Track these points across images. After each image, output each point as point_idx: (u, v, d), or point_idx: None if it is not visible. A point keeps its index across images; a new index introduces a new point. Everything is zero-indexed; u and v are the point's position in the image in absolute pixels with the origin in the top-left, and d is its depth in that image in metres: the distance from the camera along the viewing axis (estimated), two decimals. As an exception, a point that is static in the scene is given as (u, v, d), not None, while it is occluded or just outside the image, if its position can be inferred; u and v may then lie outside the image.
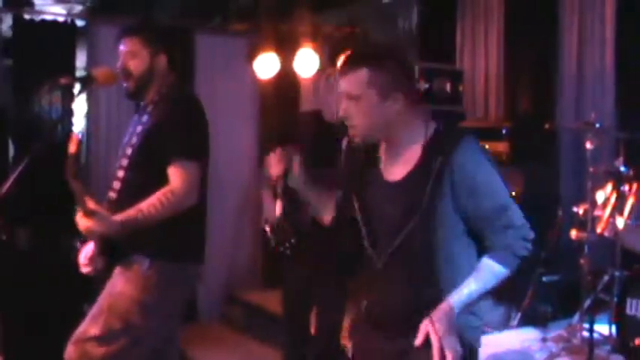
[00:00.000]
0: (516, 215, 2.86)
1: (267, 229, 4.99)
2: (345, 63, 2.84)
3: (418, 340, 2.70)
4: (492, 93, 7.70)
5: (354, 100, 2.81)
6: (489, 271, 2.79)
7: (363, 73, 2.79)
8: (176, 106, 3.81)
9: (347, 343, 5.38)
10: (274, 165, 3.32)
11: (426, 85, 6.91)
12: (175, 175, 3.65)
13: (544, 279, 5.80)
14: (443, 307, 2.75)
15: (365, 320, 3.00)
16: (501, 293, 5.66)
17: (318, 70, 6.96)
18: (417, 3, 8.37)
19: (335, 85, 5.25)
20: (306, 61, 7.11)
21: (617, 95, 6.49)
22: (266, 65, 7.07)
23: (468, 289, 2.78)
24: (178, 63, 4.07)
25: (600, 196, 5.19)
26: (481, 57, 7.80)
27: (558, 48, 6.99)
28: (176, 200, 3.62)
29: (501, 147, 6.54)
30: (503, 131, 6.69)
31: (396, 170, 2.91)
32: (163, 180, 3.65)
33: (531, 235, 2.84)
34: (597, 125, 5.23)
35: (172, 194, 3.61)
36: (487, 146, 6.51)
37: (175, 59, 3.99)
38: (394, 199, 2.87)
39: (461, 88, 7.29)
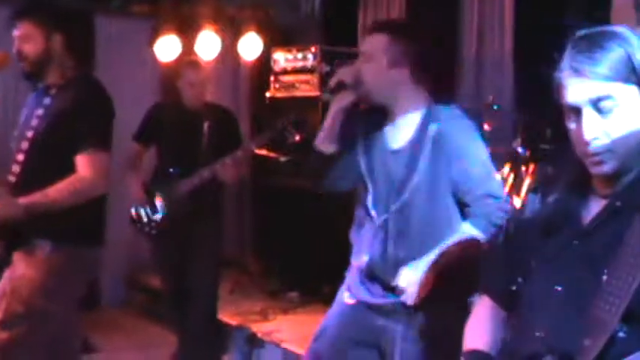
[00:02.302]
0: (498, 186, 3.11)
1: (132, 210, 5.12)
2: (372, 26, 3.28)
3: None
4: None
5: (366, 59, 3.08)
6: (468, 234, 2.97)
7: (382, 38, 3.08)
8: (84, 93, 3.77)
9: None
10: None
11: (328, 68, 6.94)
12: (85, 163, 3.61)
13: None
14: (421, 264, 2.94)
15: (365, 274, 3.19)
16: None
17: (178, 57, 6.90)
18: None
19: (199, 72, 5.36)
20: (208, 44, 7.06)
21: (515, 78, 6.63)
22: (167, 48, 6.99)
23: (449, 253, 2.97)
24: (78, 45, 4.00)
25: (498, 177, 5.29)
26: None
27: (458, 31, 7.09)
28: (85, 188, 3.60)
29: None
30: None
31: (397, 137, 3.13)
32: (67, 166, 3.60)
33: (509, 207, 3.08)
34: (495, 107, 5.34)
35: (81, 182, 3.59)
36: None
37: (74, 40, 3.91)
38: (395, 163, 3.10)
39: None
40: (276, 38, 7.61)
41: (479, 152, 3.09)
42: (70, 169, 3.61)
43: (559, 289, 1.86)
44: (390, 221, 3.08)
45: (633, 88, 1.79)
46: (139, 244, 6.33)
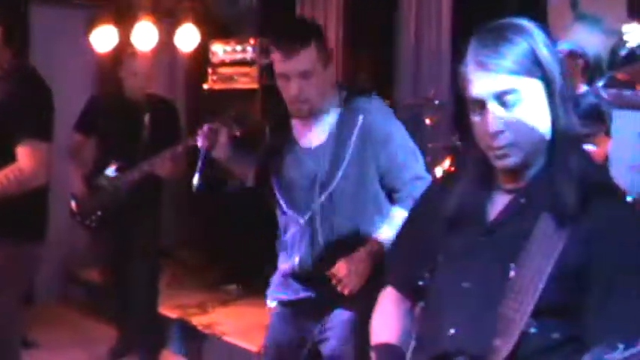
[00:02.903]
0: (424, 168, 3.14)
1: (73, 203, 5.08)
2: (293, 42, 2.95)
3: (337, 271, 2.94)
4: (331, 70, 7.73)
5: (306, 76, 2.96)
6: (401, 219, 2.93)
7: (313, 50, 2.96)
8: (23, 84, 3.72)
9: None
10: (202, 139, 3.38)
11: (267, 61, 6.91)
12: (25, 154, 3.56)
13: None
14: (358, 254, 2.98)
15: (295, 275, 3.18)
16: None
17: (115, 47, 6.82)
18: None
19: (142, 62, 5.31)
20: (145, 35, 6.97)
21: (452, 71, 6.70)
22: (104, 38, 6.88)
23: (383, 236, 3.02)
24: (15, 36, 3.93)
25: (439, 171, 5.35)
26: (321, 32, 7.83)
27: (397, 24, 7.15)
28: (24, 179, 3.56)
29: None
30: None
31: (315, 135, 3.12)
32: (7, 157, 3.54)
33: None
34: (436, 102, 5.40)
35: (21, 173, 3.54)
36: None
37: (11, 32, 3.84)
38: (316, 160, 3.09)
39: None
40: (214, 30, 7.56)
41: (404, 138, 3.13)
42: (11, 160, 3.56)
43: (467, 285, 1.87)
44: (317, 216, 3.09)
45: (537, 82, 1.80)
46: (77, 237, 6.26)
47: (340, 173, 3.03)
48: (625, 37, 6.15)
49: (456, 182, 2.00)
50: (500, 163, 1.85)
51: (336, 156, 3.04)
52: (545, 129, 1.82)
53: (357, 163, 3.03)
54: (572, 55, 5.55)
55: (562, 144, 1.83)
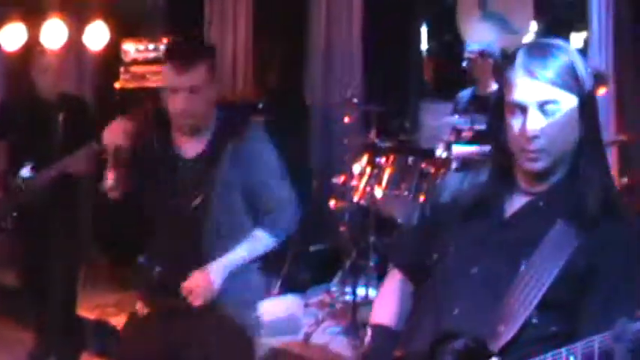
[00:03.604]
0: (291, 193, 3.22)
1: None
2: (186, 57, 2.97)
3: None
4: (241, 67, 7.77)
5: (194, 92, 2.95)
6: (260, 241, 3.13)
7: (204, 66, 2.97)
8: None
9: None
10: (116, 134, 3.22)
11: (180, 60, 6.91)
12: None
13: (310, 248, 6.06)
14: (209, 270, 3.03)
15: (159, 282, 3.16)
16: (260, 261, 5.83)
17: (23, 46, 6.72)
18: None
19: (49, 59, 5.24)
20: (54, 33, 6.86)
21: (364, 70, 6.84)
22: (12, 36, 6.74)
23: (237, 255, 3.08)
24: None
25: (357, 168, 5.45)
26: (229, 31, 7.84)
27: (307, 22, 7.23)
28: None
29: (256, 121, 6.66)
30: (260, 106, 6.80)
31: (192, 147, 3.12)
32: None
33: (299, 213, 3.24)
34: (355, 100, 5.51)
35: None
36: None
37: None
38: (189, 172, 3.10)
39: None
40: (123, 28, 7.49)
41: (273, 161, 3.20)
42: None
43: (475, 271, 2.00)
44: (185, 227, 3.12)
45: (574, 97, 1.95)
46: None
47: (210, 192, 3.05)
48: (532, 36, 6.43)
49: (477, 178, 2.14)
50: (529, 165, 1.97)
51: (206, 175, 3.07)
52: (573, 140, 1.97)
53: (226, 184, 3.06)
54: (483, 54, 5.73)
55: (588, 157, 1.98)
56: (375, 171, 5.22)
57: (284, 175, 3.22)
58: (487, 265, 1.99)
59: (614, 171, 5.31)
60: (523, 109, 1.94)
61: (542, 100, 1.92)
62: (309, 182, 6.34)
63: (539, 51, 1.97)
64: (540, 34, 6.68)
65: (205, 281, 3.01)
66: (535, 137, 1.93)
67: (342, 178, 5.58)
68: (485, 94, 5.75)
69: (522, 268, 1.92)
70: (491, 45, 5.90)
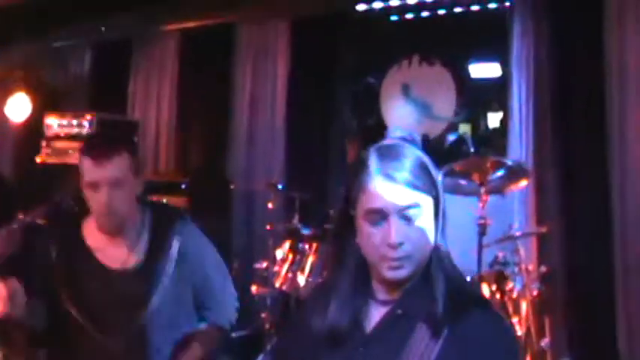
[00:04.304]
0: (233, 286, 3.18)
1: None
2: (105, 148, 2.78)
3: None
4: (164, 146, 7.77)
5: (116, 185, 2.76)
6: (212, 336, 3.07)
7: (124, 157, 2.79)
8: None
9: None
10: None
11: (104, 136, 6.88)
12: None
13: (233, 334, 5.98)
14: None
15: None
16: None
17: None
18: (90, 48, 8.30)
19: None
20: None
21: (287, 151, 6.88)
22: None
23: (194, 354, 2.96)
24: None
25: (279, 253, 5.46)
26: (153, 109, 7.87)
27: (231, 103, 7.28)
28: None
29: (180, 202, 6.61)
30: (183, 186, 6.77)
31: (128, 254, 2.90)
32: None
33: (238, 304, 3.17)
34: (279, 187, 5.54)
35: None
36: (165, 200, 6.59)
37: None
38: (132, 281, 2.87)
39: (136, 140, 7.35)
40: (46, 101, 7.43)
41: (216, 258, 3.14)
42: None
43: None
44: (134, 339, 2.89)
45: (430, 199, 1.90)
46: None
47: (158, 295, 2.88)
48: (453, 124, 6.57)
49: (329, 295, 2.00)
50: (392, 274, 1.88)
51: (154, 278, 2.88)
52: (432, 243, 1.91)
53: (175, 284, 2.93)
54: (405, 141, 5.81)
55: (437, 258, 1.93)
56: (298, 257, 5.24)
57: (225, 267, 3.16)
58: None
59: (533, 260, 5.45)
60: (384, 216, 1.85)
61: (404, 205, 1.85)
62: (231, 264, 6.29)
63: (391, 153, 1.91)
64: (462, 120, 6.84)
65: None
66: (399, 244, 1.85)
67: (264, 264, 5.57)
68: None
69: None
70: (412, 133, 5.98)
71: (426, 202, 1.88)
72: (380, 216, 1.86)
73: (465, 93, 6.77)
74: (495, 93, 6.30)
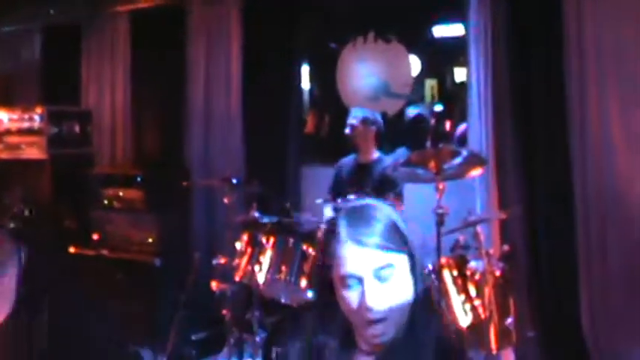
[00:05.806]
0: None
1: None
2: None
3: None
4: (120, 136, 7.63)
5: None
6: None
7: None
8: None
9: None
10: None
11: (56, 129, 6.77)
12: None
13: (192, 337, 5.96)
14: None
15: None
16: (143, 339, 5.71)
17: None
18: (40, 34, 8.11)
19: None
20: None
21: (244, 138, 6.78)
22: None
23: None
24: None
25: (238, 246, 5.36)
26: (107, 94, 7.71)
27: (186, 90, 7.15)
28: None
29: (135, 194, 6.50)
30: (138, 179, 6.63)
31: None
32: None
33: None
34: (234, 181, 5.45)
35: None
36: (121, 193, 6.49)
37: None
38: None
39: (89, 129, 7.25)
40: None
41: None
42: None
43: None
44: None
45: (403, 255, 1.92)
46: None
47: None
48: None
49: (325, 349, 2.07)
50: (374, 341, 1.93)
51: None
52: (410, 299, 1.94)
53: None
54: (366, 121, 5.73)
55: (420, 311, 1.95)
56: (257, 249, 5.14)
57: None
58: None
59: (495, 241, 5.44)
60: (359, 280, 1.89)
61: (376, 267, 1.88)
62: (191, 255, 6.19)
63: (359, 217, 1.94)
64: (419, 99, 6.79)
65: None
66: (376, 306, 1.88)
67: (222, 260, 5.47)
68: (366, 162, 5.77)
69: None
70: (374, 112, 5.92)
71: (400, 260, 1.92)
72: (354, 280, 1.89)
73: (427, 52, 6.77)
74: (460, 49, 6.21)
